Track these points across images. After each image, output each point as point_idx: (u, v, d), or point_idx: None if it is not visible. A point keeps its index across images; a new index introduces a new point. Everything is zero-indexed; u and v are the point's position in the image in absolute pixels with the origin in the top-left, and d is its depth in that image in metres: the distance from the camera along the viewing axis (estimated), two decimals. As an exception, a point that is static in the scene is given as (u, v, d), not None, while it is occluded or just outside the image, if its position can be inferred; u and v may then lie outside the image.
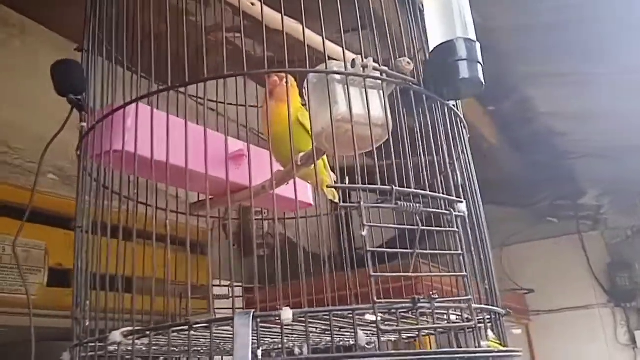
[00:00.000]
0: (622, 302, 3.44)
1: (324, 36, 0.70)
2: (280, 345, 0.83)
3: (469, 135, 0.80)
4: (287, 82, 0.88)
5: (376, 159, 0.65)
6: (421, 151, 0.73)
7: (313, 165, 0.79)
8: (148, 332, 0.58)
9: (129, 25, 0.77)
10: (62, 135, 0.90)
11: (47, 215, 1.65)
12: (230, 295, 0.60)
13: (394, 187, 0.59)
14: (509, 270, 3.54)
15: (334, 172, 0.95)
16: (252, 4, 0.87)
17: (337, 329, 0.72)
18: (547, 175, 3.20)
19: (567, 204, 3.49)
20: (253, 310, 0.53)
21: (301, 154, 0.83)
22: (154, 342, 0.60)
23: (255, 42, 1.87)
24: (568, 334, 3.44)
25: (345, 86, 0.64)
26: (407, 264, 0.65)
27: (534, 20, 1.92)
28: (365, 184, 0.64)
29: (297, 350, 0.79)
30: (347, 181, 1.00)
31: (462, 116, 0.78)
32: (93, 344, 0.62)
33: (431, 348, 0.79)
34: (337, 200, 0.92)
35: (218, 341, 0.67)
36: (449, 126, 0.73)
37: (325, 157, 0.94)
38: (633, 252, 3.48)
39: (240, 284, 1.07)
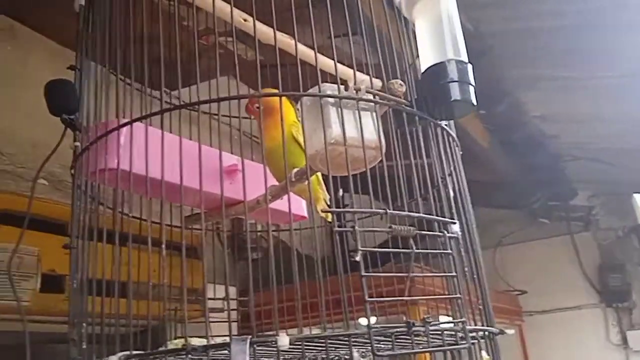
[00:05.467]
0: (613, 303, 3.46)
1: (316, 49, 0.70)
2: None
3: (461, 152, 0.81)
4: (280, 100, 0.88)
5: (369, 179, 0.66)
6: (413, 169, 0.74)
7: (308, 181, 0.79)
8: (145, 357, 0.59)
9: (120, 33, 0.77)
10: (53, 140, 0.90)
11: (40, 221, 1.64)
12: (227, 311, 0.61)
13: (387, 210, 0.60)
14: (502, 271, 3.57)
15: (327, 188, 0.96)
16: (245, 20, 0.87)
17: (333, 349, 0.73)
18: (540, 177, 3.22)
19: (559, 205, 3.51)
20: (249, 336, 0.54)
21: (295, 170, 0.84)
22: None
23: (247, 46, 1.88)
24: (560, 334, 3.47)
25: (339, 109, 0.65)
26: (400, 266, 0.65)
27: (527, 24, 1.93)
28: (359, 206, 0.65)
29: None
30: (342, 193, 1.01)
31: (454, 135, 0.79)
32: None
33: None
34: (330, 220, 0.93)
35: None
36: (441, 145, 0.74)
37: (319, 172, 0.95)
38: (624, 253, 3.50)
39: (233, 286, 1.07)
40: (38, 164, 0.93)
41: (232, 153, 1.04)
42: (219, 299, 0.95)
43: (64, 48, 1.82)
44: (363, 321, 1.39)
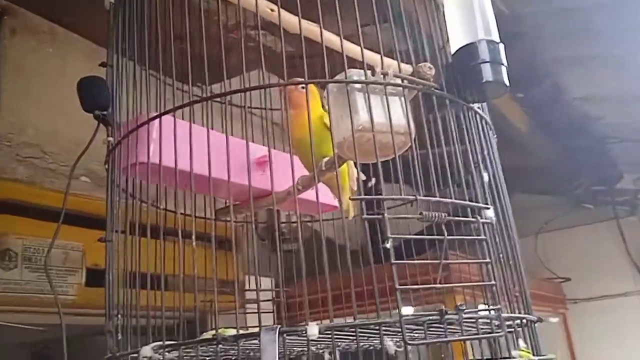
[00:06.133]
0: (662, 289, 3.34)
1: (342, 36, 0.69)
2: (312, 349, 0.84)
3: (496, 137, 0.79)
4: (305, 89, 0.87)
5: (401, 166, 0.65)
6: (445, 155, 0.72)
7: (338, 170, 0.78)
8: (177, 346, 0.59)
9: (152, 29, 0.77)
10: (98, 137, 0.92)
11: (83, 217, 1.69)
12: (261, 302, 0.61)
13: (417, 196, 0.58)
14: (544, 258, 3.48)
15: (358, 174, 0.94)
16: (272, 10, 0.86)
17: (365, 337, 0.72)
18: (583, 160, 3.11)
19: (604, 190, 3.39)
20: (279, 325, 0.53)
21: (325, 159, 0.83)
22: (183, 355, 0.61)
23: (277, 38, 1.87)
24: (606, 322, 3.36)
25: (366, 94, 0.63)
26: (437, 256, 0.64)
27: (564, 3, 1.86)
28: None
29: (327, 357, 0.80)
30: (374, 181, 0.99)
31: (487, 118, 0.77)
32: (125, 357, 0.64)
33: (463, 352, 0.78)
34: (351, 215, 0.92)
35: (247, 351, 0.68)
36: (474, 129, 0.71)
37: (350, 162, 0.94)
38: (673, 237, 3.37)
39: (269, 277, 1.08)
40: (80, 162, 0.95)
41: (263, 144, 1.04)
42: (252, 290, 0.95)
43: (100, 47, 1.87)
44: (405, 311, 1.38)
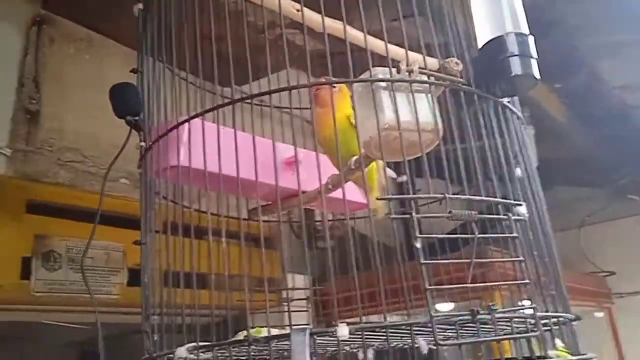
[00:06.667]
0: None
1: (366, 33, 0.69)
2: (345, 349, 0.84)
3: (533, 132, 0.77)
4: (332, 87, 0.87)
5: (428, 162, 0.64)
6: (474, 150, 0.70)
7: (366, 169, 0.78)
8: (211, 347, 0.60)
9: (181, 32, 0.79)
10: (132, 141, 0.94)
11: (123, 218, 1.73)
12: (292, 301, 0.61)
13: (445, 194, 0.58)
14: (588, 252, 3.38)
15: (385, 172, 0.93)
16: (297, 10, 0.86)
17: (398, 337, 0.72)
18: (625, 150, 3.00)
19: (650, 180, 3.26)
20: (309, 326, 0.54)
21: (354, 158, 0.83)
22: (218, 355, 0.62)
23: (307, 35, 1.87)
24: (655, 316, 3.25)
25: (391, 92, 0.63)
26: (471, 253, 0.63)
27: (601, -11, 1.80)
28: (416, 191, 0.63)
29: (360, 356, 0.80)
30: (405, 178, 0.98)
31: (518, 112, 0.75)
32: (162, 358, 0.65)
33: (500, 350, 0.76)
34: (380, 214, 0.91)
35: (281, 351, 0.69)
36: (504, 124, 0.70)
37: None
38: None
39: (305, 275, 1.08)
40: (119, 165, 0.97)
41: (293, 143, 1.04)
42: (289, 289, 0.96)
43: (135, 51, 1.91)
44: (440, 307, 1.36)
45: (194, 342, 0.63)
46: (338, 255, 0.97)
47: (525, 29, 0.68)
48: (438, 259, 0.94)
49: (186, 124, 0.75)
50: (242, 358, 0.66)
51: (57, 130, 1.71)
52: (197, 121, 0.74)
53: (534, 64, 0.66)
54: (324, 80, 0.74)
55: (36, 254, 1.53)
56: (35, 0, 1.74)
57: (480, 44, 0.70)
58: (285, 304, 1.23)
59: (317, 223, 1.72)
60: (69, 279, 1.61)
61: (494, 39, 0.67)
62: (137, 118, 0.83)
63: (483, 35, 0.69)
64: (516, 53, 0.66)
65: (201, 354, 0.62)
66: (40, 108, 1.69)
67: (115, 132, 1.72)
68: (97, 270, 1.70)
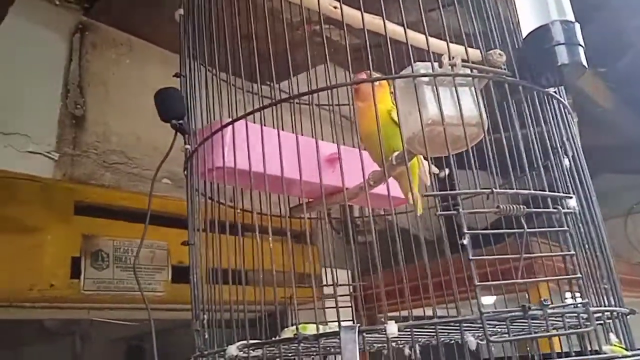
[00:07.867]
0: None
1: (406, 26, 0.68)
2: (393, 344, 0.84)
3: (576, 119, 0.75)
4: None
5: (474, 155, 0.63)
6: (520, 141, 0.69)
7: (408, 164, 0.77)
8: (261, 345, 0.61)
9: (220, 33, 0.79)
10: (176, 144, 0.96)
11: (166, 217, 1.77)
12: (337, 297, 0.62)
13: (493, 189, 0.57)
14: (636, 241, 3.26)
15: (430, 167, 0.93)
16: (335, 7, 0.86)
17: (446, 333, 0.71)
18: (675, 135, 2.88)
19: (701, 165, 3.12)
20: (358, 324, 0.54)
21: (395, 154, 0.82)
22: (267, 353, 0.63)
23: (342, 32, 1.86)
24: None
25: (434, 87, 0.62)
26: (515, 244, 0.62)
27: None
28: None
29: (407, 351, 0.79)
30: (446, 172, 0.97)
31: (565, 102, 0.73)
32: (213, 356, 0.67)
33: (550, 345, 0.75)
34: (420, 209, 0.90)
35: (328, 347, 0.69)
36: (551, 114, 0.68)
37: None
38: None
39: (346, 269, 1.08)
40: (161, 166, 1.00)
41: (333, 140, 1.05)
42: (330, 285, 0.96)
43: (174, 54, 1.94)
44: (486, 300, 1.33)
45: (242, 339, 0.64)
46: (379, 250, 0.97)
47: (570, 16, 0.66)
48: (482, 251, 0.93)
49: (229, 127, 0.76)
50: (290, 355, 0.67)
51: (102, 134, 1.76)
52: (240, 122, 0.75)
53: (581, 51, 0.64)
54: (365, 77, 0.74)
55: (85, 253, 1.58)
56: (77, 8, 1.79)
57: (524, 33, 0.68)
58: (327, 299, 1.24)
59: (357, 219, 1.72)
60: (117, 277, 1.65)
61: (538, 27, 0.66)
62: (181, 122, 0.85)
63: (527, 24, 0.68)
64: (562, 41, 0.64)
65: (251, 351, 0.63)
66: (85, 113, 1.74)
67: (155, 133, 1.77)
68: (143, 268, 1.74)
